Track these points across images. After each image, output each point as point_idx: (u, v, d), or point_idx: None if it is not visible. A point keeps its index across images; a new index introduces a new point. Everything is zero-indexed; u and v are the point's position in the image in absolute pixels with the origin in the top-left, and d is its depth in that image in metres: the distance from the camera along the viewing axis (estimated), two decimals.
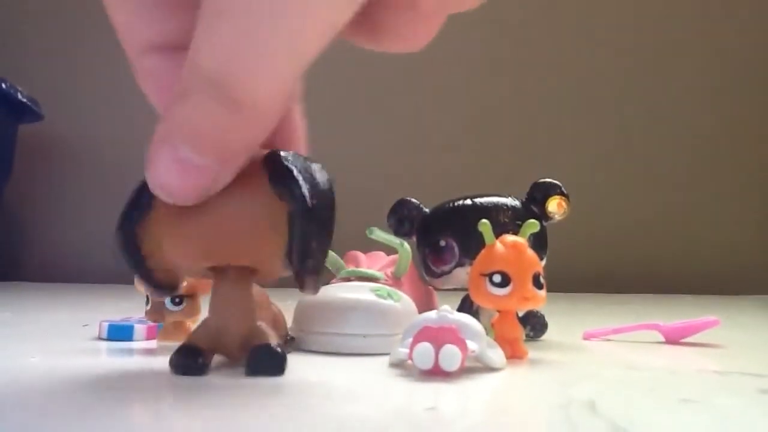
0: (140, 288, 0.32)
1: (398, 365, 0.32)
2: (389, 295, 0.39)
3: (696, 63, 1.33)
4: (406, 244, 0.43)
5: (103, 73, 1.24)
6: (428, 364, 0.29)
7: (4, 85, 0.92)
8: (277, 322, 0.37)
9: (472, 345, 0.30)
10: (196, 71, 0.22)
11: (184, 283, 0.37)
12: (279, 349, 0.29)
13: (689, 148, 1.33)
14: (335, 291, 0.38)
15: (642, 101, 1.32)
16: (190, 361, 0.29)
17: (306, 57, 0.22)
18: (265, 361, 0.29)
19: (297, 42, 0.21)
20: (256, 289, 0.31)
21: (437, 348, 0.29)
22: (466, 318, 0.31)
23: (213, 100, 0.22)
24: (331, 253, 0.40)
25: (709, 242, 1.30)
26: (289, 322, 0.39)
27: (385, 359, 0.33)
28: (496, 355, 0.32)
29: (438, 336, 0.29)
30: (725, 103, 1.33)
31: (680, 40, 1.33)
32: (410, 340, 0.30)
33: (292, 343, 0.37)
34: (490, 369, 0.31)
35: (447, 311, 0.31)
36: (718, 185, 1.32)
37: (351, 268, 0.42)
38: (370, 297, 0.37)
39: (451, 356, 0.29)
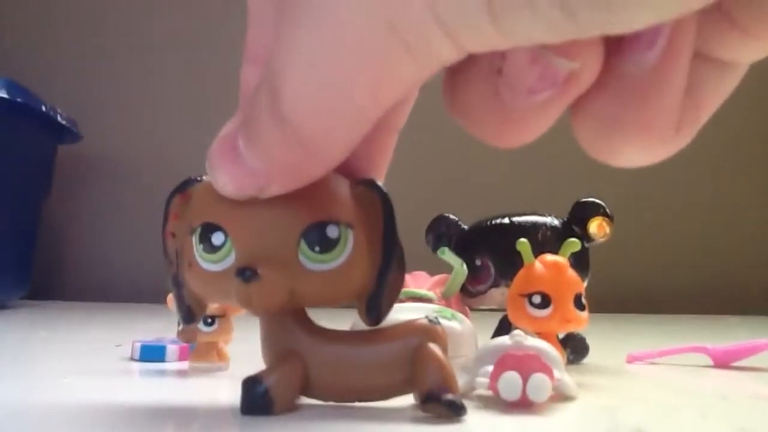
0: (173, 307, 0.31)
1: (462, 393, 0.30)
2: (453, 317, 0.37)
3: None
4: (465, 267, 0.42)
5: (142, 92, 1.26)
6: (515, 395, 0.27)
7: (44, 108, 0.93)
8: None
9: (557, 373, 0.28)
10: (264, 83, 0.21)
11: (216, 304, 0.36)
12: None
13: (739, 165, 1.30)
14: (396, 314, 0.37)
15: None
16: None
17: (385, 101, 0.20)
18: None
19: (376, 90, 0.19)
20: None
21: (524, 377, 0.27)
22: (543, 344, 0.30)
23: (278, 127, 0.21)
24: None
25: (758, 262, 1.27)
26: None
27: None
28: (570, 381, 0.30)
29: (523, 364, 0.27)
30: None
31: None
32: (488, 368, 0.28)
33: None
34: (565, 397, 0.30)
35: (521, 336, 0.29)
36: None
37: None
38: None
39: (541, 386, 0.27)
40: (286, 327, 0.26)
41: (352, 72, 0.19)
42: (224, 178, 0.23)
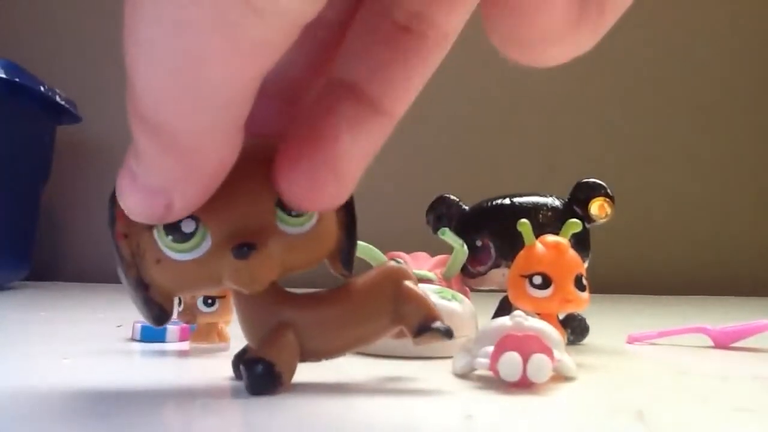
0: None
1: (463, 374, 0.30)
2: (453, 297, 0.37)
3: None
4: (465, 247, 0.42)
5: None
6: (516, 376, 0.27)
7: (42, 88, 0.93)
8: None
9: (557, 354, 0.28)
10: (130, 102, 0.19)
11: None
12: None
13: (743, 145, 1.29)
14: None
15: (691, 99, 1.29)
16: None
17: (248, 73, 0.18)
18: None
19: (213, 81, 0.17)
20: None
21: (524, 358, 0.27)
22: (543, 324, 0.30)
23: (144, 134, 0.19)
24: (379, 254, 0.39)
25: (758, 243, 1.26)
26: None
27: (447, 363, 0.32)
28: (570, 362, 0.30)
29: (523, 345, 0.27)
30: None
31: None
32: (488, 349, 0.28)
33: None
34: (565, 378, 0.30)
35: (522, 317, 0.29)
36: None
37: None
38: (435, 299, 0.36)
39: (541, 366, 0.27)
40: (269, 301, 0.26)
41: (198, 48, 0.17)
42: (129, 204, 0.21)
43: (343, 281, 0.27)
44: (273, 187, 0.23)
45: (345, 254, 0.27)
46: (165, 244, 0.23)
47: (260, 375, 0.25)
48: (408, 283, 0.27)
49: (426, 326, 0.26)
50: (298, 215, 0.24)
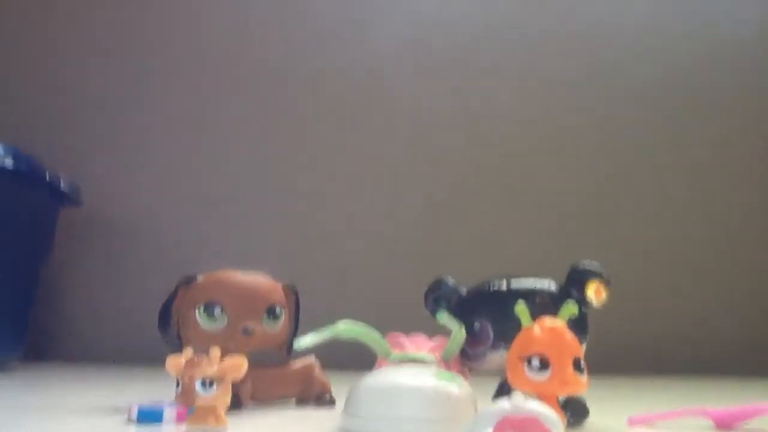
0: (171, 369, 0.36)
1: None
2: (452, 379, 0.38)
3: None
4: (463, 330, 0.42)
5: (141, 157, 1.28)
6: None
7: (48, 174, 0.95)
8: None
9: None
10: None
11: (215, 368, 0.37)
12: None
13: (737, 226, 1.30)
14: (396, 375, 0.37)
15: (682, 185, 1.31)
16: None
17: None
18: None
19: None
20: (306, 360, 0.54)
21: None
22: (542, 407, 0.30)
23: None
24: (379, 338, 0.42)
25: (758, 323, 1.26)
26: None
27: None
28: None
29: (522, 428, 0.27)
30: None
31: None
32: (488, 430, 0.28)
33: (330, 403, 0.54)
34: None
35: (520, 399, 0.29)
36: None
37: (399, 351, 0.42)
38: (436, 382, 0.36)
39: None
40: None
41: None
42: None
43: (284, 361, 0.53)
44: (266, 302, 0.50)
45: (289, 347, 0.52)
46: (201, 318, 0.48)
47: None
48: (316, 369, 0.54)
49: (323, 396, 0.54)
50: (274, 320, 0.50)
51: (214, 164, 1.25)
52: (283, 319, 0.51)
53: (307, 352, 0.46)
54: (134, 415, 0.41)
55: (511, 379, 0.35)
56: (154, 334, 0.50)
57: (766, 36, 1.35)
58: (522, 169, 1.28)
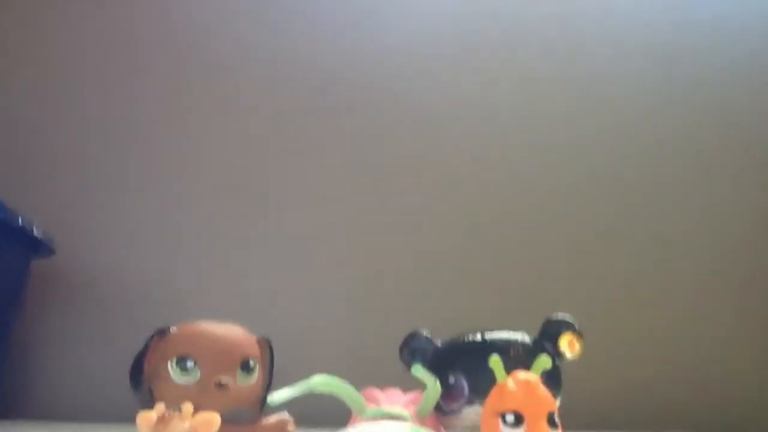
0: (142, 425, 0.36)
1: None
2: None
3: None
4: (438, 384, 0.42)
5: (116, 206, 1.27)
6: None
7: (20, 221, 0.93)
8: None
9: None
10: None
11: (187, 425, 0.37)
12: None
13: (721, 280, 1.31)
14: (373, 429, 0.37)
15: (660, 236, 1.33)
16: None
17: None
18: None
19: None
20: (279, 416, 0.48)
21: None
22: None
23: None
24: (354, 393, 0.43)
25: (744, 380, 1.26)
26: None
27: None
28: None
29: None
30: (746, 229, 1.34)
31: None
32: None
33: None
34: None
35: None
36: (755, 320, 1.30)
37: (373, 407, 0.41)
38: None
39: None
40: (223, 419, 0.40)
41: None
42: None
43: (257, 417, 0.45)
44: (240, 355, 0.43)
45: (262, 402, 0.46)
46: (173, 371, 0.42)
47: None
48: (290, 428, 0.45)
49: None
50: (248, 374, 0.44)
51: (189, 216, 1.25)
52: (257, 373, 0.49)
53: (280, 407, 0.45)
54: None
55: None
56: (127, 390, 0.49)
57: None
58: (497, 222, 1.30)
